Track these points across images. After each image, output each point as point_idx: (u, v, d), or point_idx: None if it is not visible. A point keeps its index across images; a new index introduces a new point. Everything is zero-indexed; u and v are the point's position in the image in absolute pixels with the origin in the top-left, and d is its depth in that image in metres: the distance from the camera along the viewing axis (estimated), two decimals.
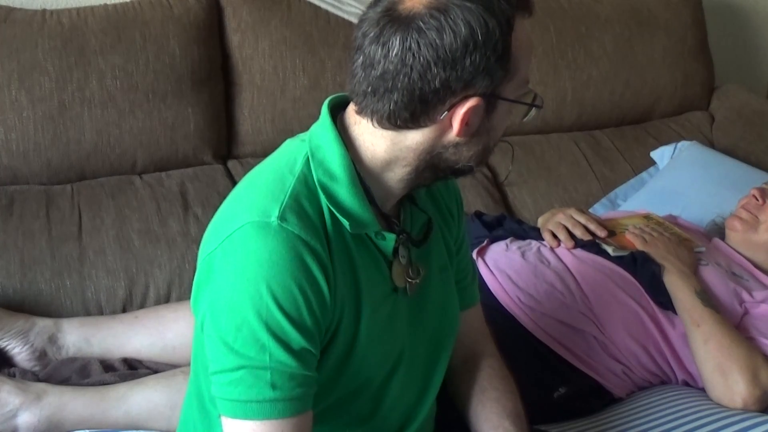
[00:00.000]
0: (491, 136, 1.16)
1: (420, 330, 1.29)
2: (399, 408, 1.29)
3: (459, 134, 1.12)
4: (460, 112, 1.10)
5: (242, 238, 1.10)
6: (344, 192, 1.14)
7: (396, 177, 1.17)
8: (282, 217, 1.09)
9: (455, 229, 1.37)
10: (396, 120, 1.11)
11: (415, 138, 1.13)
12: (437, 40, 1.05)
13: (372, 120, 1.13)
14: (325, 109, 1.19)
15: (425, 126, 1.12)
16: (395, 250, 1.21)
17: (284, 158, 1.18)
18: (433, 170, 1.17)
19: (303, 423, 1.11)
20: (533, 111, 1.17)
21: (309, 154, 1.16)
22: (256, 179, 1.18)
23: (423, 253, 1.27)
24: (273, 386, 1.08)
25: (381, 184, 1.18)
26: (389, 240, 1.19)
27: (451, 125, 1.12)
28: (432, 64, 1.06)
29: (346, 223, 1.14)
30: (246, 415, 1.09)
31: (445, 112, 1.10)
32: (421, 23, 1.06)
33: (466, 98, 1.09)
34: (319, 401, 1.16)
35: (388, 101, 1.10)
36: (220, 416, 1.13)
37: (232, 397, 1.09)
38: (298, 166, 1.15)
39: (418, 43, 1.06)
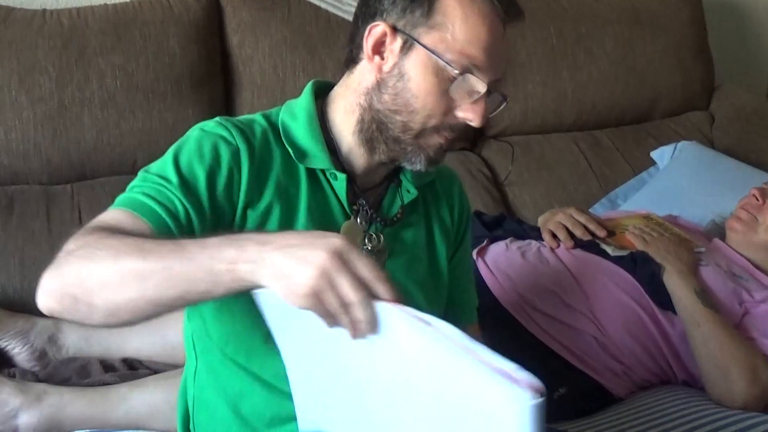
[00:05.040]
0: (411, 91, 1.17)
1: None
2: None
3: (371, 60, 1.18)
4: (367, 34, 1.18)
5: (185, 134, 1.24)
6: (299, 128, 1.23)
7: (350, 128, 1.23)
8: (221, 119, 1.22)
9: (451, 238, 1.37)
10: (347, 59, 1.23)
11: (355, 77, 1.22)
12: None
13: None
14: (309, 83, 1.29)
15: (359, 60, 1.21)
16: (353, 210, 1.24)
17: None
18: (372, 128, 1.21)
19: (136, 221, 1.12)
20: (475, 94, 1.16)
21: (284, 106, 1.29)
22: None
23: (393, 234, 1.28)
24: (148, 197, 1.14)
25: (345, 142, 1.24)
26: (341, 180, 1.22)
27: (371, 57, 1.18)
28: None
29: (291, 151, 1.21)
30: (118, 203, 1.16)
31: (364, 38, 1.18)
32: None
33: (377, 25, 1.18)
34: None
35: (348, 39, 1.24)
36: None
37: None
38: (269, 111, 1.28)
39: None
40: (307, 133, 1.23)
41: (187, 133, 1.23)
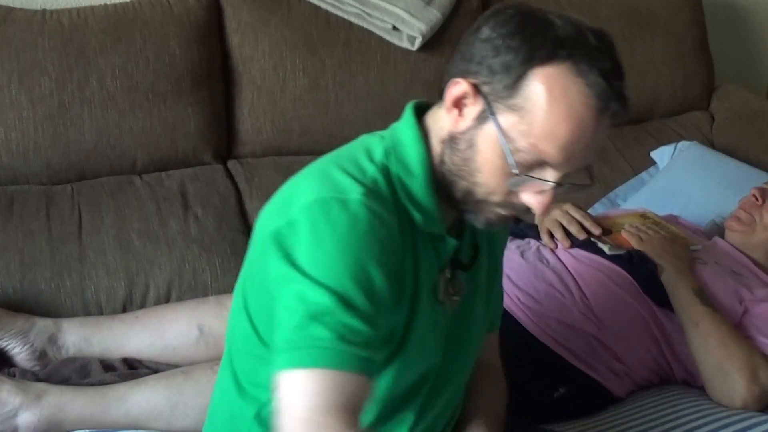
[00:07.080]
0: (477, 163, 1.09)
1: (456, 349, 1.26)
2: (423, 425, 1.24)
3: (449, 111, 1.10)
4: (452, 86, 1.09)
5: (322, 211, 1.06)
6: (419, 188, 1.13)
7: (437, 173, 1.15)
8: (365, 196, 1.07)
9: (498, 257, 1.36)
10: (440, 91, 1.13)
11: (440, 117, 1.14)
12: (490, 25, 1.08)
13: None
14: (409, 108, 1.18)
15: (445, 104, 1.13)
16: (449, 261, 1.19)
17: (360, 148, 1.16)
18: (445, 181, 1.14)
19: (363, 385, 1.03)
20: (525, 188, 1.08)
21: (388, 148, 1.15)
22: (328, 163, 1.15)
23: (468, 275, 1.25)
24: (340, 339, 1.02)
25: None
26: (449, 245, 1.17)
27: (449, 109, 1.10)
28: (464, 43, 1.10)
29: (418, 217, 1.13)
30: (303, 362, 1.01)
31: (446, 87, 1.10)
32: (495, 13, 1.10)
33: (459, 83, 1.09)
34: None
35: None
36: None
37: (294, 345, 1.03)
38: (378, 157, 1.14)
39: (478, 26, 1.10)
40: (428, 194, 1.13)
41: (337, 213, 1.06)
